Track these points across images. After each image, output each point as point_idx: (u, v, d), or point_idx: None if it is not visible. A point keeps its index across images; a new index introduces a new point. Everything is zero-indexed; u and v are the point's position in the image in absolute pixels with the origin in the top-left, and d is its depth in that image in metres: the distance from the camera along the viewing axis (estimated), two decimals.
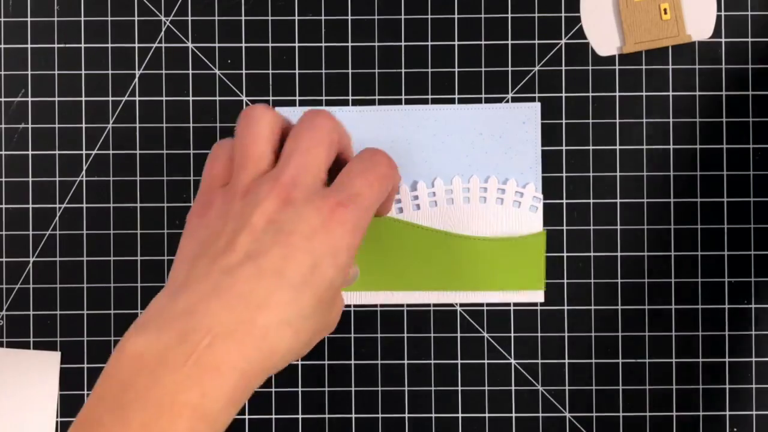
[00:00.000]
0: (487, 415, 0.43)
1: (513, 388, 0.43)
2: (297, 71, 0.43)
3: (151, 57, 0.43)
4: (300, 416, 0.43)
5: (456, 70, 0.43)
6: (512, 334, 0.43)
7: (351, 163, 0.34)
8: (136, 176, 0.43)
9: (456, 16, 0.43)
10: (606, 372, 0.43)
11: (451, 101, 0.43)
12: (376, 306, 0.43)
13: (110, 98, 0.43)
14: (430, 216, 0.43)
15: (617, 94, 0.43)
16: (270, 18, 0.43)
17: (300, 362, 0.43)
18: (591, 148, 0.43)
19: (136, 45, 0.43)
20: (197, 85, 0.43)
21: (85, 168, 0.43)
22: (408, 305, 0.43)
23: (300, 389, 0.43)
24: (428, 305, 0.43)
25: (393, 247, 0.42)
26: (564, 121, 0.43)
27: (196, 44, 0.43)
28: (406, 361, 0.43)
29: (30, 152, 0.43)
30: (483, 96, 0.43)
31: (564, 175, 0.43)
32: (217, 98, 0.43)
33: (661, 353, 0.43)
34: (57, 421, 0.43)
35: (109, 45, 0.43)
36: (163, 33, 0.43)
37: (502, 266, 0.42)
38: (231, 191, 0.32)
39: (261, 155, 0.33)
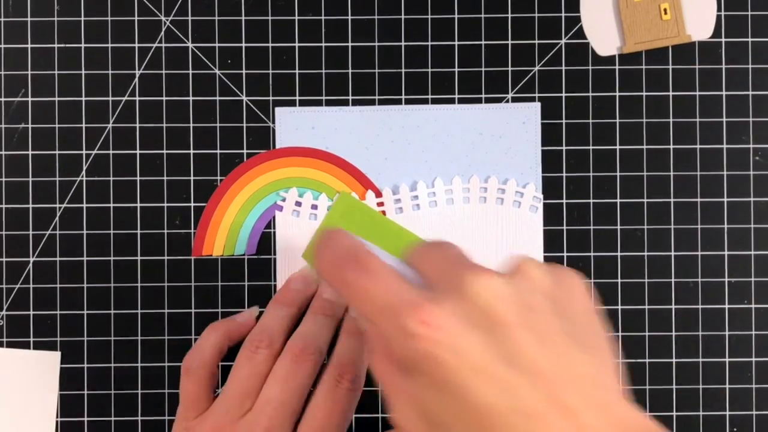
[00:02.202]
0: None
1: None
2: (297, 71, 0.43)
3: (151, 57, 0.43)
4: None
5: (456, 70, 0.43)
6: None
7: (316, 392, 0.38)
8: (136, 176, 0.43)
9: (456, 16, 0.43)
10: None
11: (451, 101, 0.43)
12: None
13: (110, 98, 0.43)
14: (430, 216, 0.43)
15: (617, 94, 0.43)
16: (270, 18, 0.43)
17: None
18: (591, 148, 0.43)
19: (136, 45, 0.43)
20: (197, 85, 0.43)
21: (85, 168, 0.43)
22: None
23: None
24: None
25: None
26: (564, 121, 0.43)
27: (196, 44, 0.43)
28: None
29: (30, 152, 0.43)
30: (483, 96, 0.43)
31: (564, 175, 0.43)
32: (217, 98, 0.43)
33: (661, 353, 0.43)
34: (57, 421, 0.43)
35: (109, 45, 0.43)
36: (163, 33, 0.43)
37: None
38: None
39: (250, 394, 0.38)
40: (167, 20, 0.43)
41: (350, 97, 0.43)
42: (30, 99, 0.43)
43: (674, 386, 0.43)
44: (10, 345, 0.43)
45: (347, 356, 0.39)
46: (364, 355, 0.40)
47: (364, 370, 0.39)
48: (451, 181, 0.43)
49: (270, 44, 0.43)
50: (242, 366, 0.38)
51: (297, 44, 0.43)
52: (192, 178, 0.43)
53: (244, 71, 0.43)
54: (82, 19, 0.43)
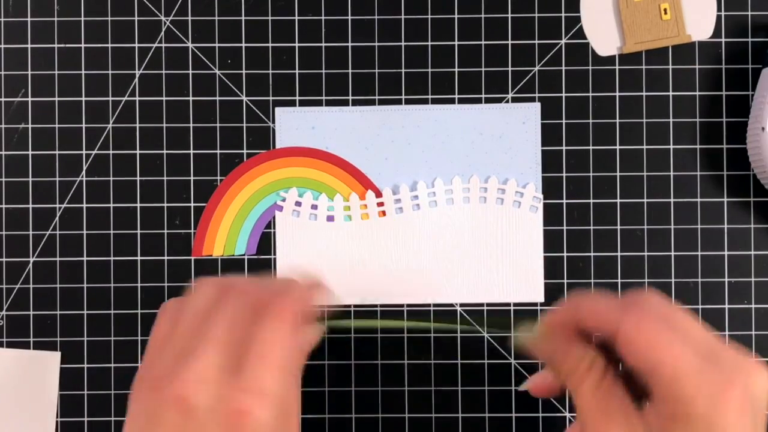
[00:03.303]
0: (487, 415, 0.43)
1: (513, 388, 0.43)
2: (297, 71, 0.43)
3: (151, 57, 0.43)
4: (300, 416, 0.43)
5: (456, 70, 0.43)
6: (512, 334, 0.43)
7: (254, 341, 0.31)
8: (136, 176, 0.43)
9: (456, 16, 0.43)
10: None
11: (451, 101, 0.43)
12: (376, 306, 0.43)
13: (110, 98, 0.43)
14: (430, 216, 0.43)
15: (617, 94, 0.43)
16: (270, 18, 0.43)
17: None
18: (591, 148, 0.43)
19: (136, 45, 0.43)
20: (197, 85, 0.43)
21: (85, 168, 0.43)
22: (408, 305, 0.43)
23: (300, 389, 0.43)
24: (428, 305, 0.43)
25: None
26: (564, 121, 0.43)
27: (196, 44, 0.43)
28: (406, 361, 0.43)
29: (30, 152, 0.43)
30: (483, 96, 0.43)
31: (564, 175, 0.43)
32: (217, 98, 0.43)
33: None
34: (57, 421, 0.43)
35: (109, 45, 0.43)
36: (163, 33, 0.43)
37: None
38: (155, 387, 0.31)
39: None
40: (167, 20, 0.43)
41: (350, 97, 0.43)
42: (30, 99, 0.43)
43: None
44: (10, 345, 0.43)
45: (282, 288, 0.33)
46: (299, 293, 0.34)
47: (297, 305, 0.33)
48: (451, 181, 0.43)
49: (270, 44, 0.43)
50: (191, 305, 0.33)
51: (297, 44, 0.43)
52: (192, 178, 0.43)
53: (244, 71, 0.43)
54: (82, 19, 0.43)
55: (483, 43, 0.43)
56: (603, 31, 0.43)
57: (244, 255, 0.43)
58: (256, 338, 0.31)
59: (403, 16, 0.43)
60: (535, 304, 0.43)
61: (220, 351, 0.30)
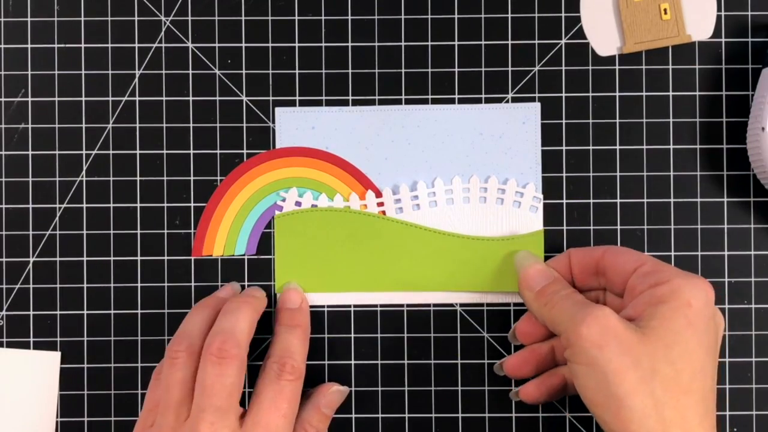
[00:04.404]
0: (487, 415, 0.43)
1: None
2: (297, 71, 0.43)
3: (151, 57, 0.43)
4: None
5: (456, 70, 0.43)
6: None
7: (259, 386, 0.38)
8: (136, 176, 0.43)
9: (456, 16, 0.43)
10: None
11: (451, 101, 0.43)
12: (376, 306, 0.43)
13: (110, 98, 0.43)
14: (430, 216, 0.43)
15: (617, 94, 0.43)
16: (270, 18, 0.43)
17: None
18: (591, 148, 0.43)
19: (136, 45, 0.43)
20: (197, 85, 0.43)
21: (85, 168, 0.43)
22: (408, 305, 0.43)
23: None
24: (428, 305, 0.43)
25: (391, 247, 0.42)
26: (564, 121, 0.43)
27: (196, 44, 0.43)
28: (406, 361, 0.43)
29: (30, 152, 0.43)
30: (483, 96, 0.43)
31: (564, 175, 0.43)
32: (217, 98, 0.43)
33: None
34: (57, 421, 0.43)
35: (109, 45, 0.43)
36: (163, 33, 0.43)
37: (502, 265, 0.42)
38: None
39: (182, 402, 0.37)
40: (167, 20, 0.43)
41: (350, 97, 0.43)
42: (30, 99, 0.43)
43: None
44: (10, 345, 0.43)
45: (285, 348, 0.39)
46: (302, 345, 0.39)
47: (302, 359, 0.39)
48: (451, 181, 0.43)
49: (270, 44, 0.43)
50: (167, 376, 0.37)
51: (297, 44, 0.43)
52: (192, 178, 0.43)
53: (244, 71, 0.43)
54: (82, 19, 0.43)
55: (483, 43, 0.43)
56: (603, 31, 0.43)
57: (244, 255, 0.43)
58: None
59: (403, 16, 0.43)
60: None
61: (219, 418, 0.36)
